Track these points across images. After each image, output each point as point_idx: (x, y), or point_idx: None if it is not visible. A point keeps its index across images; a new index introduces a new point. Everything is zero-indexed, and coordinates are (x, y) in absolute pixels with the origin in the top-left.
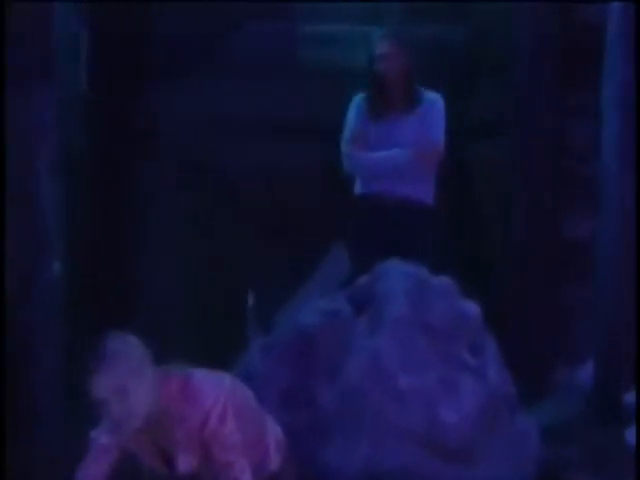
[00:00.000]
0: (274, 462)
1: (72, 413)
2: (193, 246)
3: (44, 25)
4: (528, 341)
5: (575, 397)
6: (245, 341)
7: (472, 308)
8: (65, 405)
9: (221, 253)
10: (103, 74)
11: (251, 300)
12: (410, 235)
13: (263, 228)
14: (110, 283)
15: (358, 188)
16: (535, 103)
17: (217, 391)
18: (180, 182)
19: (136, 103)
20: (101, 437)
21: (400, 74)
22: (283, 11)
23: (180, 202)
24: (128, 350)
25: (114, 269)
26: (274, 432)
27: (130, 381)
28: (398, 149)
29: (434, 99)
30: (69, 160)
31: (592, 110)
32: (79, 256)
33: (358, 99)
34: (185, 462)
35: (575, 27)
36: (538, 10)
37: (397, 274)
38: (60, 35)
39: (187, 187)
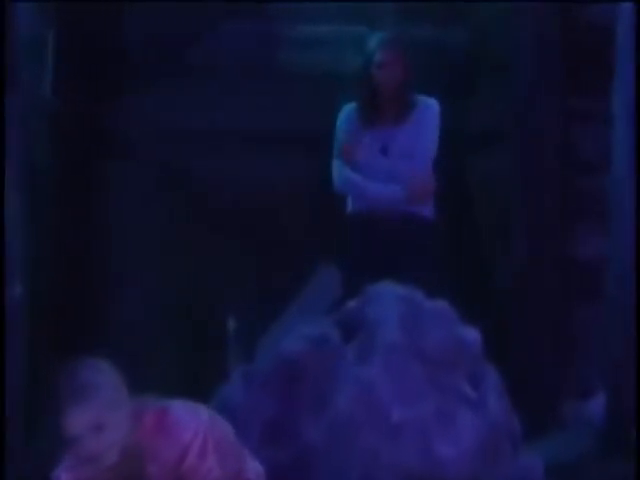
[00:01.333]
0: None
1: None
2: (168, 265)
3: (5, 27)
4: (532, 370)
5: (585, 431)
6: (224, 370)
7: (471, 334)
8: (25, 433)
9: (198, 273)
10: (70, 79)
11: (231, 325)
12: (410, 254)
13: (244, 246)
14: (77, 305)
15: (352, 204)
16: (538, 108)
17: (196, 424)
18: (153, 196)
19: (105, 110)
20: (61, 476)
21: (399, 83)
22: (262, 10)
23: (154, 218)
24: (103, 380)
25: (81, 289)
26: (254, 468)
27: (107, 414)
28: (393, 186)
29: (428, 105)
30: (33, 175)
31: (601, 115)
32: (42, 276)
33: (348, 109)
34: None
35: (579, 27)
36: (539, 10)
37: (390, 297)
38: (23, 38)
39: (161, 202)
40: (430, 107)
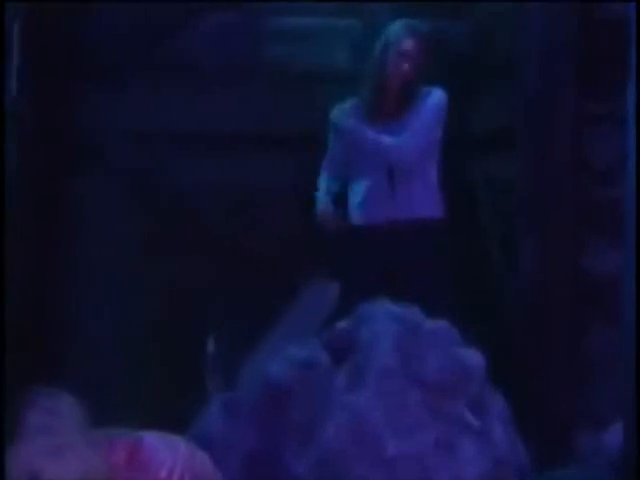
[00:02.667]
0: None
1: None
2: (141, 280)
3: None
4: (542, 397)
5: (600, 465)
6: (203, 397)
7: (474, 358)
8: None
9: (174, 290)
10: (36, 79)
11: (210, 347)
12: (419, 258)
13: (226, 258)
14: (39, 326)
15: (356, 216)
16: (549, 111)
17: (172, 458)
18: (125, 205)
19: (74, 112)
20: None
21: (415, 76)
22: (244, 1)
23: (126, 228)
24: (63, 413)
25: (44, 310)
26: None
27: (66, 449)
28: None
29: (430, 94)
30: None
31: (617, 120)
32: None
33: (346, 109)
34: None
35: (595, 24)
36: (550, 5)
37: (384, 317)
38: None
39: (134, 211)
40: (432, 95)
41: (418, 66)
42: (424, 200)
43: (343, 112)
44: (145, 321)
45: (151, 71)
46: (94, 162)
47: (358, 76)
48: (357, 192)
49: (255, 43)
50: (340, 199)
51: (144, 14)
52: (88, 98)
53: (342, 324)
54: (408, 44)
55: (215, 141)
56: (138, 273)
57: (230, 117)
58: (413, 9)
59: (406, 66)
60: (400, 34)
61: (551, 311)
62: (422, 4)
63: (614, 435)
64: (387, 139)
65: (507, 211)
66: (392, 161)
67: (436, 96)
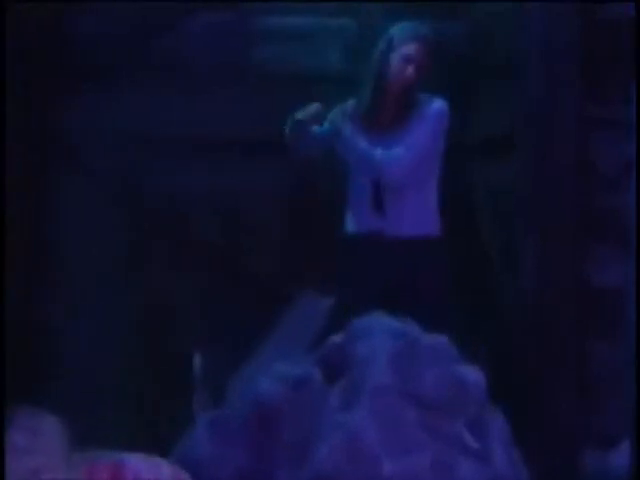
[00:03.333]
0: None
1: None
2: (124, 292)
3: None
4: (546, 416)
5: None
6: (189, 416)
7: (473, 375)
8: None
9: (158, 302)
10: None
11: (197, 363)
12: (419, 280)
13: (212, 269)
14: (17, 341)
15: (351, 224)
16: (550, 115)
17: None
18: (107, 213)
19: (53, 113)
20: None
21: (416, 82)
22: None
23: (109, 237)
24: (45, 432)
25: (22, 324)
26: None
27: (47, 470)
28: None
29: (430, 104)
30: None
31: (622, 123)
32: None
33: (346, 110)
34: None
35: (599, 23)
36: (552, 4)
37: (380, 332)
38: None
39: (115, 220)
40: (432, 107)
41: (421, 71)
42: (417, 217)
43: (342, 113)
44: (128, 336)
45: (138, 72)
46: (75, 165)
47: (353, 78)
48: (350, 197)
49: (246, 44)
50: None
51: (131, 14)
52: (72, 99)
53: (336, 339)
54: (413, 48)
55: (204, 146)
56: (121, 285)
57: (219, 120)
58: (409, 9)
59: (410, 71)
60: (404, 37)
61: (553, 325)
62: (418, 4)
63: (621, 455)
64: (379, 153)
65: (507, 220)
66: (381, 177)
67: (436, 108)
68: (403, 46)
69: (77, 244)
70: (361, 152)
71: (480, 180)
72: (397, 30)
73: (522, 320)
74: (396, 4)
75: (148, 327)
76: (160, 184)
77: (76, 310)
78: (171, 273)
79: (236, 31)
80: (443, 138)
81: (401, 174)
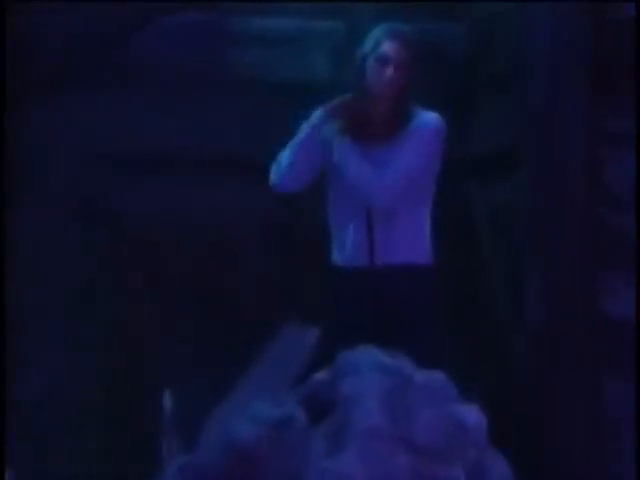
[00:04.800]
0: None
1: None
2: (85, 324)
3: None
4: (553, 461)
5: None
6: (158, 462)
7: (473, 416)
8: None
9: (125, 335)
10: None
11: (167, 402)
12: (407, 311)
13: (184, 300)
14: None
15: (338, 252)
16: (558, 128)
17: None
18: (68, 235)
19: (7, 126)
20: None
21: (401, 88)
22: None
23: (70, 264)
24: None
25: None
26: None
27: None
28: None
29: (425, 121)
30: None
31: (635, 137)
32: None
33: (330, 127)
34: None
35: (610, 28)
36: (560, 5)
37: (369, 367)
38: None
39: (77, 242)
40: (428, 123)
41: (404, 75)
42: (408, 245)
43: (331, 130)
44: (90, 372)
45: (100, 82)
46: (34, 186)
47: (341, 87)
48: (335, 224)
49: (222, 49)
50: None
51: (95, 14)
52: (29, 113)
53: (321, 375)
54: (389, 47)
55: (175, 164)
56: (83, 316)
57: (192, 134)
58: (403, 10)
59: (389, 72)
60: (380, 37)
61: (563, 360)
62: (414, 4)
63: None
64: (367, 176)
65: (511, 245)
66: (370, 204)
67: (432, 125)
68: (378, 47)
69: (36, 270)
70: (352, 178)
71: (479, 200)
72: (375, 31)
73: (527, 355)
74: (389, 5)
75: (111, 362)
76: (128, 205)
77: (36, 342)
78: (138, 302)
79: (212, 34)
80: (438, 158)
81: (391, 201)
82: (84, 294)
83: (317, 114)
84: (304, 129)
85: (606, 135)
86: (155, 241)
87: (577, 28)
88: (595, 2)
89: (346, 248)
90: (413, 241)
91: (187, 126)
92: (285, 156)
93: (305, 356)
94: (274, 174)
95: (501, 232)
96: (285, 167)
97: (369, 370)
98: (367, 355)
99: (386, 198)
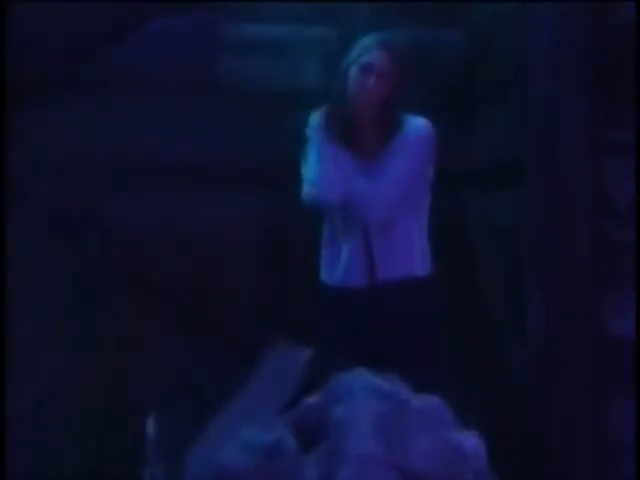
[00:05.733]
0: None
1: None
2: (67, 344)
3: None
4: None
5: None
6: None
7: (472, 442)
8: None
9: (107, 355)
10: None
11: (150, 427)
12: (409, 325)
13: (170, 319)
14: None
15: (327, 275)
16: (560, 139)
17: None
18: (48, 251)
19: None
20: None
21: (386, 98)
22: (196, 5)
23: (52, 277)
24: None
25: None
26: None
27: None
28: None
29: (416, 127)
30: None
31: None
32: None
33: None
34: None
35: (615, 32)
36: (562, 8)
37: (363, 391)
38: None
39: (58, 258)
40: (418, 129)
41: (387, 85)
42: (406, 256)
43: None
44: (73, 394)
45: (80, 90)
46: (15, 196)
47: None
48: (331, 248)
49: (209, 56)
50: None
51: (74, 18)
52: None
53: (312, 400)
54: (372, 56)
55: (158, 175)
56: (65, 334)
57: (177, 147)
58: (398, 15)
59: (371, 82)
60: (365, 46)
61: (565, 381)
62: (409, 7)
63: None
64: (362, 190)
65: (510, 262)
66: (365, 217)
67: (421, 130)
68: (364, 55)
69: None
70: (346, 195)
71: (477, 214)
72: (362, 40)
73: (528, 376)
74: (384, 10)
75: (93, 386)
76: (111, 219)
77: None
78: (121, 320)
79: (197, 41)
80: (431, 164)
81: (388, 213)
82: (65, 311)
83: (314, 118)
84: (311, 135)
85: (610, 145)
86: (137, 257)
87: (577, 29)
88: (595, 3)
89: (339, 267)
90: (411, 252)
91: (172, 137)
92: (311, 168)
93: (296, 379)
94: (311, 189)
95: (500, 248)
96: (319, 178)
97: (363, 394)
98: (361, 378)
99: (383, 210)
